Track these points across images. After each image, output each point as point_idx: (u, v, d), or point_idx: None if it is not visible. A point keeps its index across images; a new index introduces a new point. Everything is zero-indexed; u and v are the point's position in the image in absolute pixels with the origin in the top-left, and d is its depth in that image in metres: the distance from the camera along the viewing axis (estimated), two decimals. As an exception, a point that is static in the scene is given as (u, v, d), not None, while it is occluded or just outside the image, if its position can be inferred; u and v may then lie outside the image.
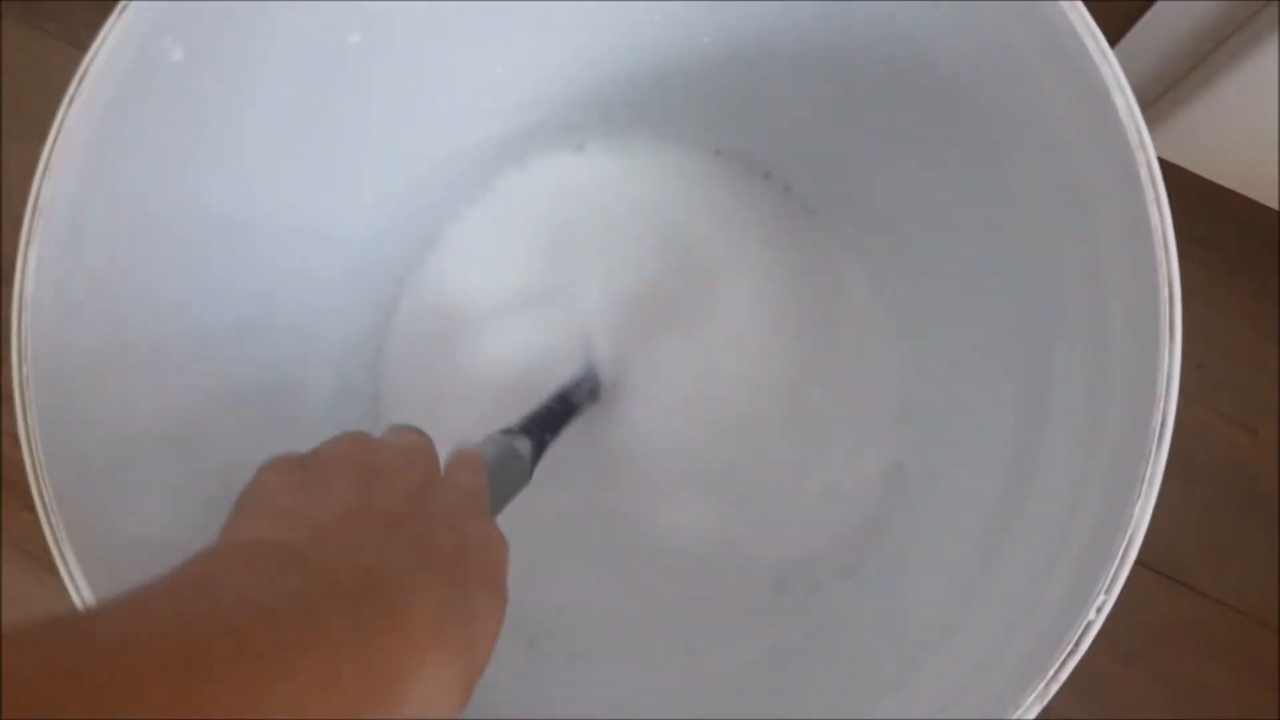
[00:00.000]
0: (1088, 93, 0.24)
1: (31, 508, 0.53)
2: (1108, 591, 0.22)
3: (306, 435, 0.24)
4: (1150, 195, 0.23)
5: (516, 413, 0.37)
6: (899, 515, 0.39)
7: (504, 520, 0.26)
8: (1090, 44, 0.23)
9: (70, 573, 0.23)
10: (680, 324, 0.43)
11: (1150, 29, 0.47)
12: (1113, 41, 0.48)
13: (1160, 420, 0.22)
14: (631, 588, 0.41)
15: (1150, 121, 0.50)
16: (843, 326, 0.42)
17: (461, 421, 0.41)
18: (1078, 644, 0.21)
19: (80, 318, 0.25)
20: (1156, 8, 0.46)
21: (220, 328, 0.30)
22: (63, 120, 0.24)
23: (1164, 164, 0.49)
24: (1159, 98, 0.52)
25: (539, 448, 0.33)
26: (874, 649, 0.34)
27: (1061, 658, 0.21)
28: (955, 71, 0.28)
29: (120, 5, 0.25)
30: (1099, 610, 0.21)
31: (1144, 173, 0.23)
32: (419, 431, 0.26)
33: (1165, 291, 0.23)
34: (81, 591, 0.23)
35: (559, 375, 0.40)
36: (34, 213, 0.24)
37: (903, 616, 0.32)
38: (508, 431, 0.33)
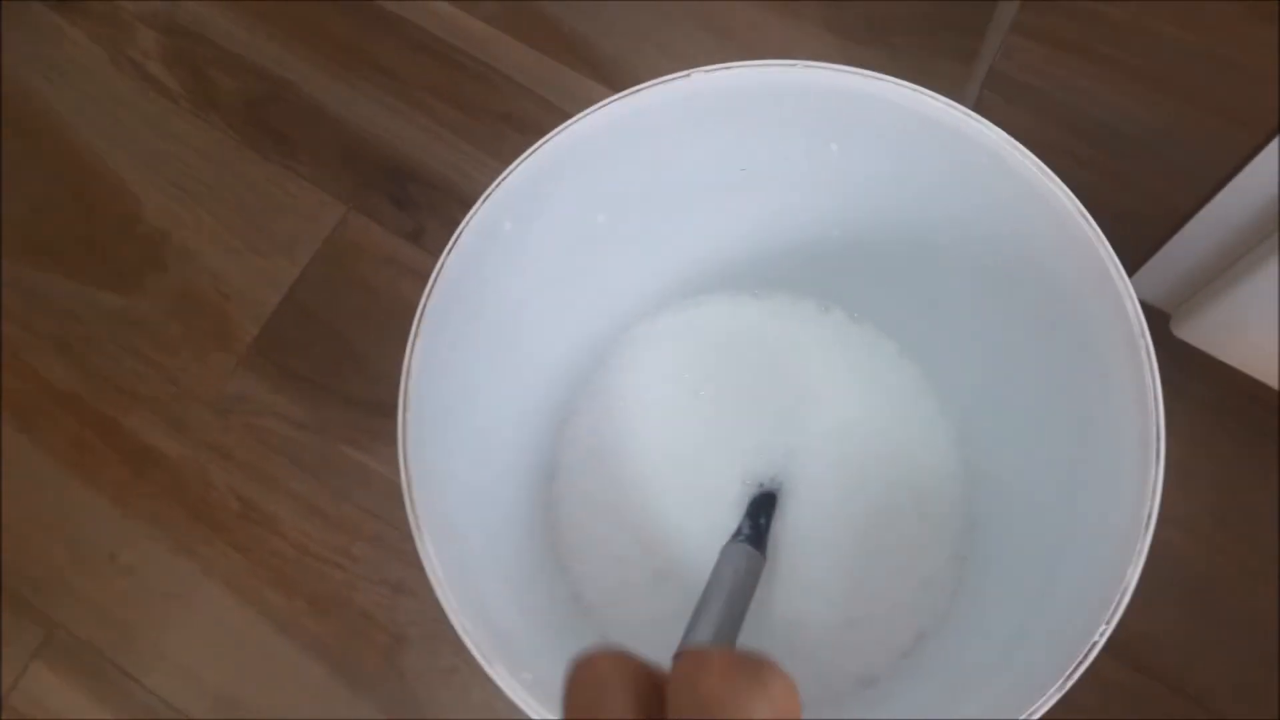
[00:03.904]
0: (1114, 304, 0.37)
1: (238, 547, 0.66)
2: (1108, 623, 0.33)
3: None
4: (1145, 365, 0.35)
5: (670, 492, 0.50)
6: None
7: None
8: (1113, 271, 0.36)
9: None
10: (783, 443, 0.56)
11: (1179, 246, 0.59)
12: (1152, 252, 0.61)
13: (1149, 510, 0.34)
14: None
15: (1185, 314, 0.62)
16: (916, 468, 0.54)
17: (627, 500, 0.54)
18: (1086, 655, 0.32)
19: (436, 382, 0.38)
20: (1184, 230, 0.58)
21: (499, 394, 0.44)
22: (446, 259, 0.38)
23: (1196, 351, 0.61)
24: (1192, 296, 0.64)
25: (761, 532, 0.48)
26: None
27: (1074, 665, 0.32)
28: (1022, 273, 0.41)
29: (483, 196, 0.39)
30: (1102, 634, 0.33)
31: (1142, 352, 0.35)
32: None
33: (1154, 431, 0.35)
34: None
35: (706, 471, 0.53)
36: (422, 316, 0.37)
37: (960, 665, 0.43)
38: (735, 536, 0.47)
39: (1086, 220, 0.37)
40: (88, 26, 0.82)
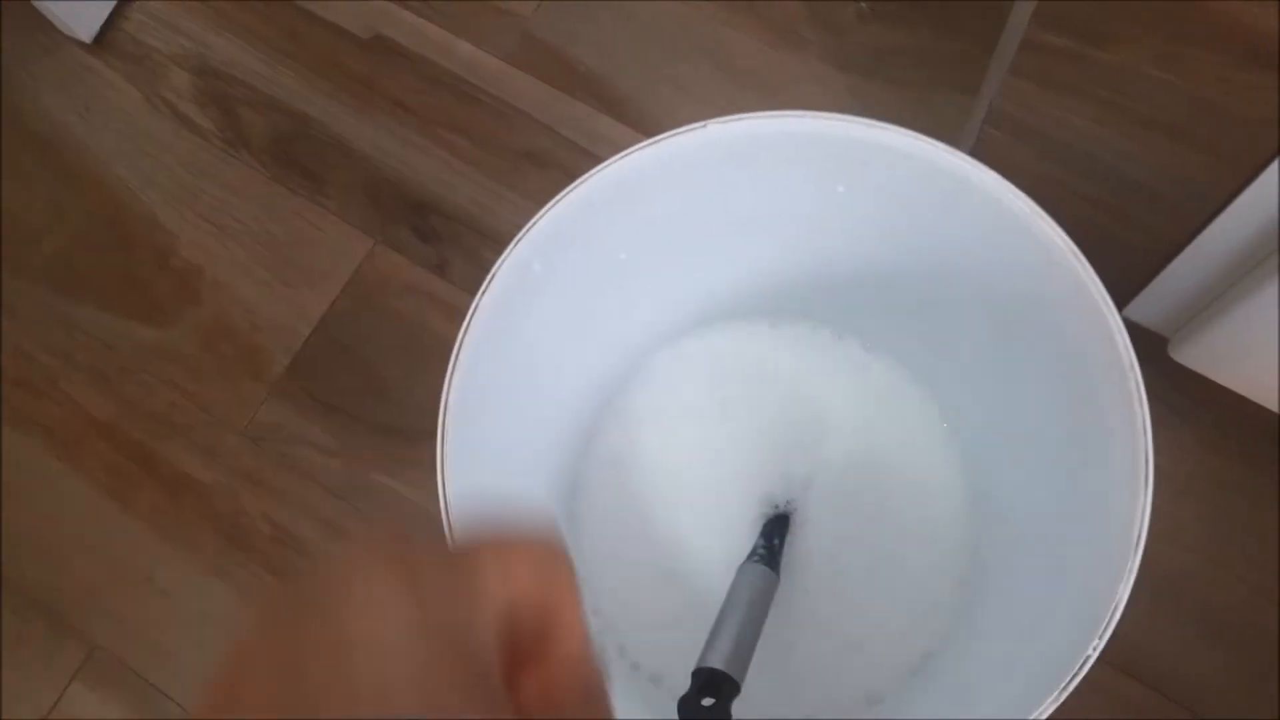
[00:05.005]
0: (1105, 338, 0.39)
1: (270, 569, 0.69)
2: (1100, 637, 0.35)
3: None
4: (1134, 395, 0.37)
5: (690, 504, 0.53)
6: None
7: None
8: (1103, 307, 0.39)
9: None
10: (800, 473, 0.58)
11: (1175, 273, 0.62)
12: (1148, 279, 0.63)
13: (1138, 533, 0.36)
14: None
15: (1183, 339, 0.64)
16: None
17: (646, 515, 0.56)
18: (1081, 667, 0.35)
19: (474, 403, 0.41)
20: (1179, 259, 0.61)
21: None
22: (479, 301, 0.41)
23: (1196, 374, 0.63)
24: (1188, 322, 0.66)
25: (775, 553, 0.50)
26: None
27: (1069, 676, 0.35)
28: (1020, 307, 0.44)
29: (515, 239, 0.42)
30: (1095, 648, 0.35)
31: (1131, 384, 0.38)
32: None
33: (1143, 457, 0.37)
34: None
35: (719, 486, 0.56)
36: (458, 355, 0.40)
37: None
38: (751, 556, 0.50)
39: (1079, 259, 0.40)
40: (122, 68, 0.86)
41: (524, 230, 0.41)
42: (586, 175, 0.42)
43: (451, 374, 0.40)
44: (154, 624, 0.73)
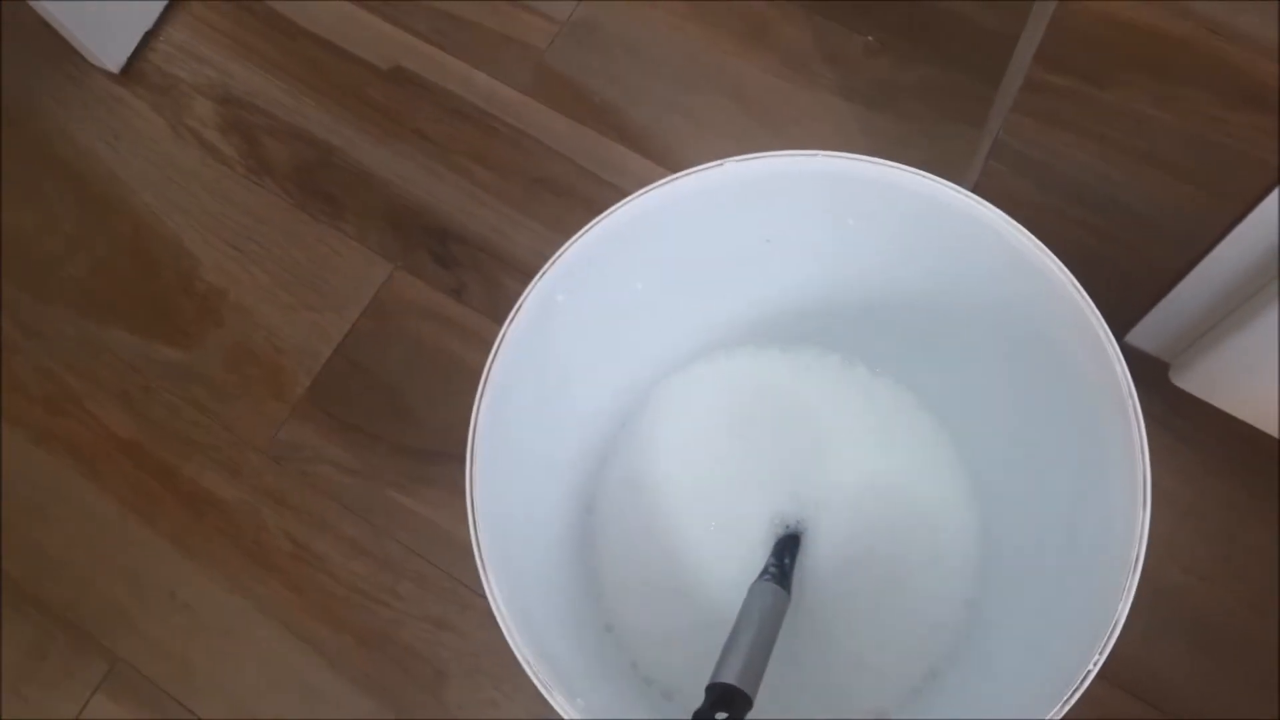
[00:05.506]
0: (1104, 365, 0.41)
1: (290, 585, 0.70)
2: (1100, 653, 0.37)
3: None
4: (1133, 421, 0.39)
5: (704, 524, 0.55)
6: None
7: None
8: (1102, 336, 0.40)
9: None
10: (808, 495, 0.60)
11: (1174, 302, 0.64)
12: (1149, 307, 0.65)
13: (1137, 552, 0.38)
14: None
15: (1183, 365, 0.66)
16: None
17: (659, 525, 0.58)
18: (1081, 683, 0.36)
19: (500, 426, 0.43)
20: (1178, 288, 0.63)
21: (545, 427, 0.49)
22: (506, 330, 0.43)
23: (1196, 398, 0.65)
24: (1188, 348, 0.68)
25: (786, 572, 0.52)
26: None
27: (1070, 691, 0.36)
28: (1024, 336, 0.46)
29: (541, 271, 0.44)
30: (1095, 664, 0.37)
31: (1130, 410, 0.39)
32: None
33: (1141, 480, 0.39)
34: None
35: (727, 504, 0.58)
36: (487, 380, 0.42)
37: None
38: (763, 575, 0.51)
39: (1078, 291, 0.42)
40: (149, 98, 0.88)
41: (550, 263, 0.43)
42: (608, 211, 0.44)
43: (480, 399, 0.42)
44: (176, 639, 0.74)
